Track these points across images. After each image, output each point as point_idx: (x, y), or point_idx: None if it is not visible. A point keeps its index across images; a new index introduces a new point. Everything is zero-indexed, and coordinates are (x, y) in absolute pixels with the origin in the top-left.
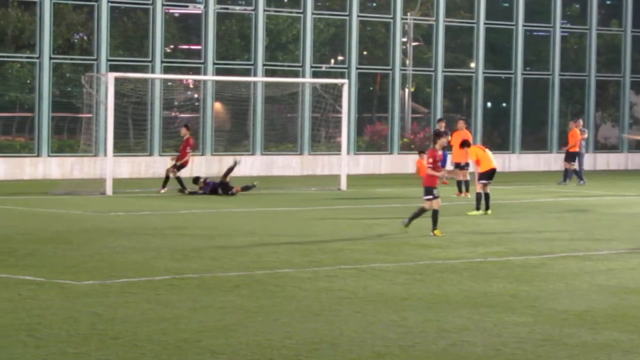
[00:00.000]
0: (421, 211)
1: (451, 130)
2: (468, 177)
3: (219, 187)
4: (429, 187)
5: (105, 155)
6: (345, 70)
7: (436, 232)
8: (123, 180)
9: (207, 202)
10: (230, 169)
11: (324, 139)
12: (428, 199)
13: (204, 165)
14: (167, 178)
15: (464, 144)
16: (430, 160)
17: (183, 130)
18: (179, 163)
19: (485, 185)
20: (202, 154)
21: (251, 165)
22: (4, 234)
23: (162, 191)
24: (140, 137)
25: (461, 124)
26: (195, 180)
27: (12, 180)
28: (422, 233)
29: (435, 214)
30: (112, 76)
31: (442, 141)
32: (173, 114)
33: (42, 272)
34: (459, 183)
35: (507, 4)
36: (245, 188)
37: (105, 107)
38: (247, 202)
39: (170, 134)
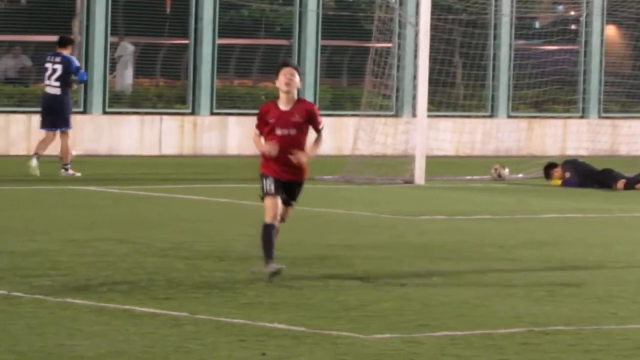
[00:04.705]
0: None
1: None
2: None
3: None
4: None
5: (414, 115)
6: None
7: None
8: (444, 160)
9: (591, 200)
10: None
11: None
12: None
13: (584, 134)
14: None
15: None
16: None
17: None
18: None
19: None
20: (582, 116)
21: None
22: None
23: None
24: (475, 86)
25: None
26: (549, 167)
27: (250, 157)
28: None
29: None
30: None
31: None
32: (529, 46)
33: (300, 316)
34: None
35: None
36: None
37: (415, 31)
38: None
39: (525, 77)
